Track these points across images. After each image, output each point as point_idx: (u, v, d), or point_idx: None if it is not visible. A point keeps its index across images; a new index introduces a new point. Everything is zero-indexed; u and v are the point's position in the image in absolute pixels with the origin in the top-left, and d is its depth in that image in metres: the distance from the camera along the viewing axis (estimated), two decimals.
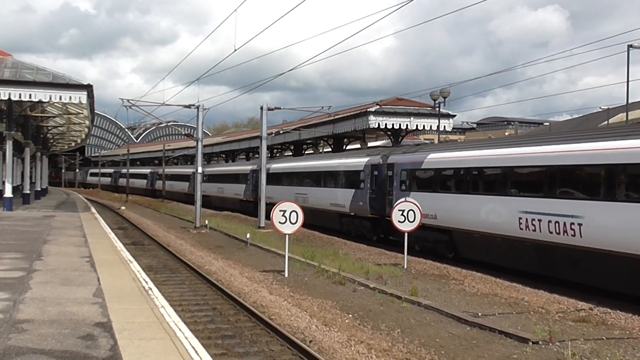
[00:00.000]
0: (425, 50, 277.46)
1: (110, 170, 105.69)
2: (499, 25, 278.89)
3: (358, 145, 49.33)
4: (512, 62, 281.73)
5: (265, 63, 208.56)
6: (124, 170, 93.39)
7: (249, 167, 47.11)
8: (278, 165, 42.04)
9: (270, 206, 35.96)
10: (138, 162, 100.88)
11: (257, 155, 58.14)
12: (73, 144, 71.88)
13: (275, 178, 39.55)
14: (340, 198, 30.40)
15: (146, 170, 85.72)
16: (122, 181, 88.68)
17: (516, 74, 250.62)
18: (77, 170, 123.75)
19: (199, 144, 36.65)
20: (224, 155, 72.96)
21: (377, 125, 36.47)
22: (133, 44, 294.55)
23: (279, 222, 18.10)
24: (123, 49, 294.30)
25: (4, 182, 37.17)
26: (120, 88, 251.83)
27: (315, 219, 31.74)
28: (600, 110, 49.78)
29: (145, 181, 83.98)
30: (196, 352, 7.69)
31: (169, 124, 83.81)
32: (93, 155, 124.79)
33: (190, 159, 76.21)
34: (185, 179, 65.60)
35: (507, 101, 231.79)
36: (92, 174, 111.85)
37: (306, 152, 54.70)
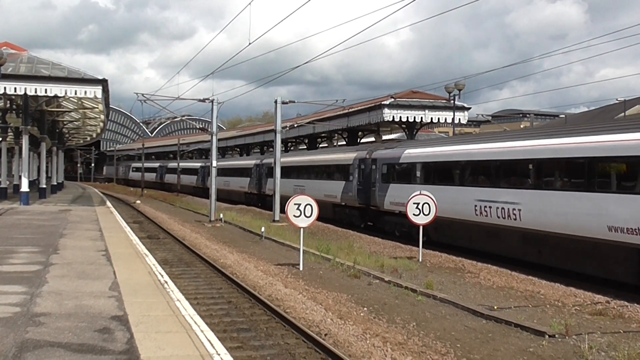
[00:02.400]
0: (442, 43, 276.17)
1: (155, 165, 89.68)
2: (516, 17, 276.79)
3: (372, 139, 49.04)
4: (528, 54, 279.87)
5: (282, 56, 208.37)
6: (172, 165, 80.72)
7: (352, 155, 32.20)
8: (430, 150, 25.30)
9: (393, 216, 26.37)
10: (153, 157, 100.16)
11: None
12: (88, 138, 72.32)
13: (420, 171, 25.07)
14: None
15: (196, 164, 69.39)
16: (169, 177, 79.32)
17: (533, 66, 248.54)
18: (116, 166, 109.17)
19: (214, 137, 36.75)
20: (238, 150, 72.61)
21: (391, 118, 36.36)
22: (151, 39, 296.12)
23: (294, 216, 18.05)
24: (141, 44, 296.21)
25: (20, 177, 37.49)
26: (137, 83, 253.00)
27: (553, 254, 17.41)
28: (617, 102, 49.30)
29: (195, 177, 68.46)
30: (212, 345, 7.70)
31: (183, 118, 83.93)
32: (108, 149, 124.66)
33: (205, 153, 74.04)
34: (244, 173, 51.60)
35: (523, 93, 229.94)
36: (136, 169, 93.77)
37: (320, 145, 53.39)
